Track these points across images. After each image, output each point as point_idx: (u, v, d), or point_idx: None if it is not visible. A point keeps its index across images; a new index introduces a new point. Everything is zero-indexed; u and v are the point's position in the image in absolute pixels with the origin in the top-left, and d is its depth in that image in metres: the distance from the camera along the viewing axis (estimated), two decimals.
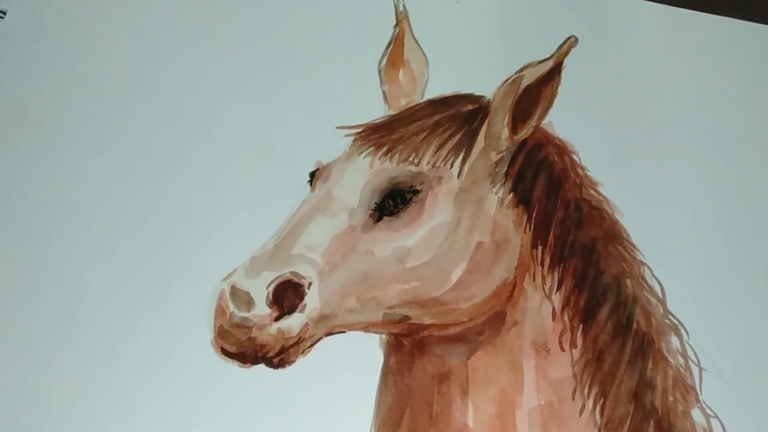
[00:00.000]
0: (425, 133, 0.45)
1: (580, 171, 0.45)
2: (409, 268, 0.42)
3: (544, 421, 0.42)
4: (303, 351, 0.42)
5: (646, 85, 0.47)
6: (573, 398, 0.42)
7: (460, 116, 0.45)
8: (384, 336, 0.44)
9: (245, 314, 0.42)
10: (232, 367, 0.43)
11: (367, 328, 0.43)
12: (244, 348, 0.42)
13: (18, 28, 0.48)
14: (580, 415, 0.42)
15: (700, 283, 0.44)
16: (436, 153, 0.44)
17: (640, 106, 0.47)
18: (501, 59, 0.47)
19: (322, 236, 0.43)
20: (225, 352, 0.42)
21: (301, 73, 0.47)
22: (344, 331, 0.43)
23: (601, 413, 0.42)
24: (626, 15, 0.48)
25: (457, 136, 0.45)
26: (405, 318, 0.43)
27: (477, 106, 0.46)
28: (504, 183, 0.45)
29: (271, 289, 0.42)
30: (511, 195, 0.44)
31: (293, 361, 0.43)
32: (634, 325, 0.43)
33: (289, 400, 0.42)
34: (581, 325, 0.43)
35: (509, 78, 0.46)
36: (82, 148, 0.46)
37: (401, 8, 0.48)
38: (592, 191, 0.45)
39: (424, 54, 0.47)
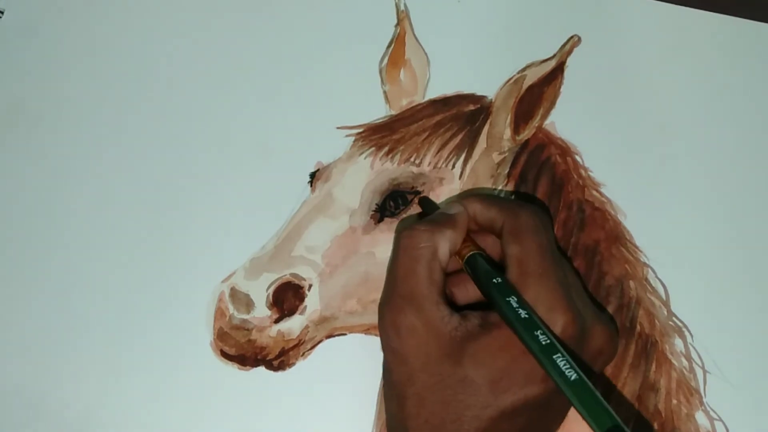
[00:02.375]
0: (427, 134, 0.45)
1: (583, 172, 0.45)
2: None
3: None
4: (303, 353, 0.42)
5: (650, 85, 0.46)
6: None
7: (461, 116, 0.45)
8: None
9: (245, 316, 0.42)
10: (232, 369, 0.42)
11: (368, 330, 0.43)
12: (243, 350, 0.42)
13: (15, 28, 0.48)
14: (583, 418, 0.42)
15: (704, 284, 0.44)
16: (437, 154, 0.44)
17: (644, 106, 0.46)
18: (503, 59, 0.46)
19: (322, 237, 0.43)
20: (225, 355, 0.42)
21: (300, 72, 0.47)
22: (345, 334, 0.43)
23: None
24: (630, 14, 0.48)
25: (459, 137, 0.45)
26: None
27: (479, 106, 0.46)
28: (506, 184, 0.44)
29: (271, 290, 0.43)
30: (513, 197, 0.44)
31: (293, 364, 0.42)
32: (638, 327, 0.43)
33: (289, 403, 0.42)
34: None
35: (511, 78, 0.46)
36: (80, 148, 0.46)
37: (402, 7, 0.48)
38: (595, 192, 0.44)
39: (426, 53, 0.47)
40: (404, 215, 0.43)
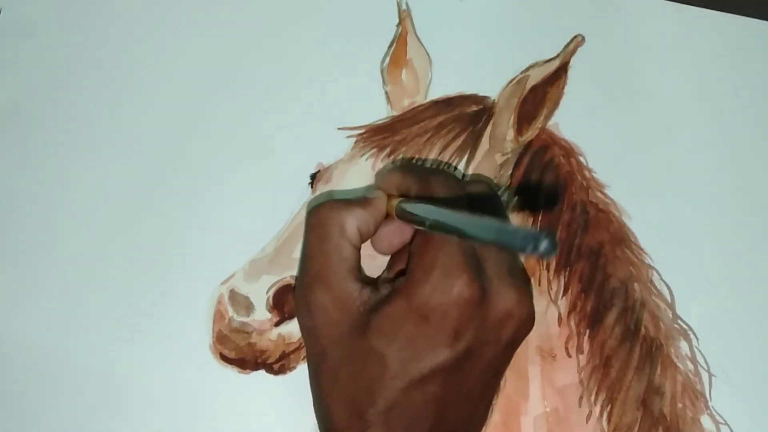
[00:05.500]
0: (429, 135, 0.44)
1: (586, 173, 0.44)
2: None
3: (549, 429, 0.41)
4: (304, 357, 0.42)
5: (655, 85, 0.46)
6: (579, 405, 0.42)
7: (464, 117, 0.45)
8: None
9: (245, 319, 0.42)
10: (232, 372, 0.42)
11: None
12: (243, 353, 0.42)
13: (12, 26, 0.48)
14: (586, 422, 0.41)
15: (709, 287, 0.43)
16: (439, 155, 0.44)
17: (649, 106, 0.46)
18: (506, 59, 0.46)
19: None
20: (224, 358, 0.42)
21: (301, 72, 0.46)
22: None
23: (608, 420, 0.41)
24: (634, 13, 0.47)
25: (461, 138, 0.44)
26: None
27: (481, 107, 0.45)
28: (509, 186, 0.44)
29: (271, 293, 0.42)
30: (516, 198, 0.44)
31: (294, 368, 0.42)
32: (642, 330, 0.42)
33: (289, 407, 0.41)
34: (588, 331, 0.42)
35: (514, 78, 0.45)
36: (78, 148, 0.46)
37: (404, 7, 0.47)
38: (599, 194, 0.44)
39: (428, 54, 0.46)
40: None
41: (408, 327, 0.33)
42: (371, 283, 0.36)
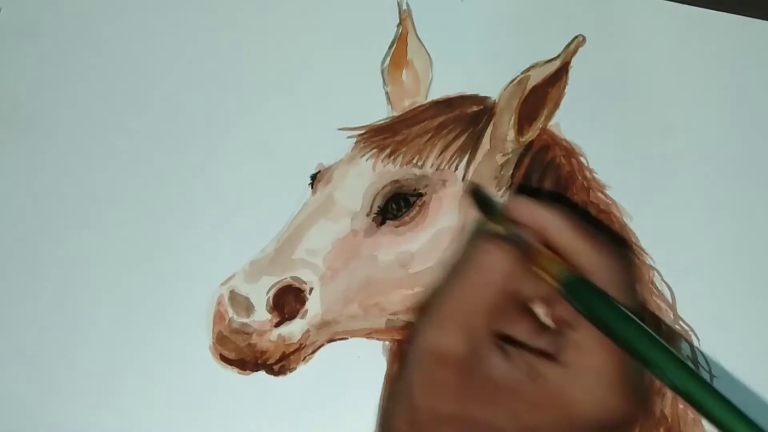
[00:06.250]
0: (429, 135, 0.44)
1: (587, 173, 0.44)
2: (412, 274, 0.42)
3: None
4: (304, 358, 0.42)
5: (656, 85, 0.46)
6: None
7: (464, 118, 0.45)
8: (387, 343, 0.43)
9: (245, 320, 0.42)
10: (232, 373, 0.42)
11: (369, 334, 0.42)
12: (243, 354, 0.42)
13: (12, 26, 0.48)
14: None
15: (711, 288, 0.43)
16: (440, 155, 0.44)
17: (650, 106, 0.46)
18: (507, 59, 0.46)
19: (323, 240, 0.43)
20: (224, 359, 0.42)
21: (301, 73, 0.46)
22: (346, 338, 0.42)
23: None
24: (636, 13, 0.47)
25: (462, 138, 0.44)
26: (408, 324, 0.42)
27: (482, 107, 0.45)
28: (510, 186, 0.44)
29: (271, 294, 0.42)
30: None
31: (294, 368, 0.42)
32: None
33: (289, 408, 0.41)
34: None
35: (515, 78, 0.45)
36: (78, 148, 0.46)
37: (404, 7, 0.47)
38: (600, 194, 0.44)
39: (428, 54, 0.46)
40: (406, 218, 0.43)
41: (541, 417, 0.32)
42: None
